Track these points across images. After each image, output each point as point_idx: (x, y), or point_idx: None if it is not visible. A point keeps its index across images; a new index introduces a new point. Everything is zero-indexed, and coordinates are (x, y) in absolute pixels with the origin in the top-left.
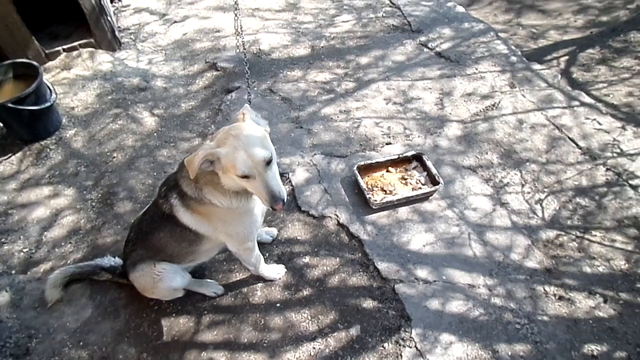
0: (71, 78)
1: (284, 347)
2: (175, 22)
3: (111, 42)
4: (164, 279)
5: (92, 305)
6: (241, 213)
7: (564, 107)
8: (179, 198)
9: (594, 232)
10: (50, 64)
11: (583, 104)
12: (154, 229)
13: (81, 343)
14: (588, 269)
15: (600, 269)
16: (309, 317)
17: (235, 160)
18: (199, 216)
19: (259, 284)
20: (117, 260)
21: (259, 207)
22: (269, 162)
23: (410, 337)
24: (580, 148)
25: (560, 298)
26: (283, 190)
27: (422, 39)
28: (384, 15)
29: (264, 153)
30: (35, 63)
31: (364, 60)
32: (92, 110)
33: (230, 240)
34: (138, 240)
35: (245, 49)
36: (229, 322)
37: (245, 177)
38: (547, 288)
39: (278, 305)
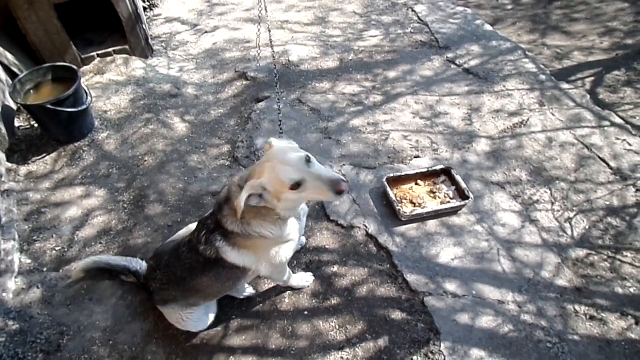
0: (104, 82)
1: (311, 355)
2: (205, 32)
3: (144, 49)
4: (189, 324)
5: (122, 305)
6: (286, 240)
7: (593, 127)
8: (224, 239)
9: (625, 253)
10: (84, 68)
11: (613, 124)
12: (194, 275)
13: (111, 342)
14: (619, 290)
15: (632, 290)
16: (337, 326)
17: (279, 176)
18: (246, 250)
19: (287, 292)
20: (144, 265)
21: (295, 231)
22: (308, 161)
23: (439, 350)
24: (610, 168)
25: (592, 318)
26: (335, 174)
27: (450, 55)
28: (411, 31)
29: (299, 154)
30: (74, 66)
31: (391, 74)
32: (125, 114)
33: (269, 267)
34: (171, 282)
35: (274, 58)
36: (257, 327)
37: (296, 185)
38: (577, 307)
39: (306, 312)
